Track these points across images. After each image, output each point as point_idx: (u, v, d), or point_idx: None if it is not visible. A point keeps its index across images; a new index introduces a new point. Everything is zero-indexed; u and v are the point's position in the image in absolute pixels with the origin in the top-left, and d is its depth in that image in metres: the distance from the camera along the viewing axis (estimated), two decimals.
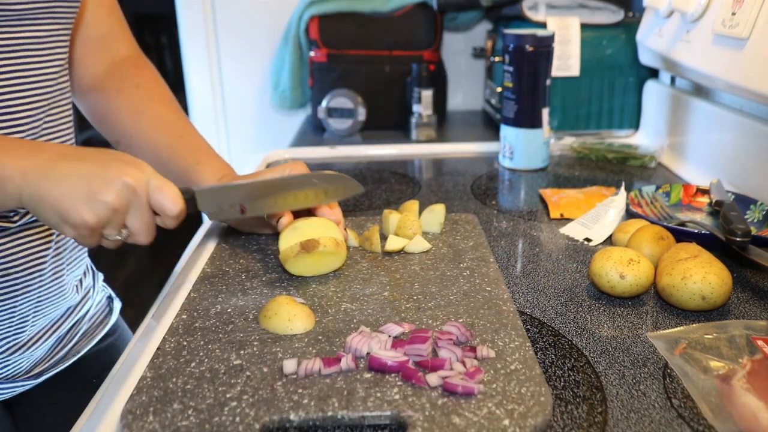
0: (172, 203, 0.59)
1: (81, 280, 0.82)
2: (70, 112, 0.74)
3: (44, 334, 0.75)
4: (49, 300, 0.74)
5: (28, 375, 0.74)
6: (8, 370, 0.72)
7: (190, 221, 0.70)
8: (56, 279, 0.75)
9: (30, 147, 0.56)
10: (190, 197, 0.64)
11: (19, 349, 0.72)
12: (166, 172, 0.79)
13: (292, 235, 0.67)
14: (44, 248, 0.71)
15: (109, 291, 0.90)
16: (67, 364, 0.79)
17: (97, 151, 0.58)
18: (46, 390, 0.76)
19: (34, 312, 0.72)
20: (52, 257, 0.73)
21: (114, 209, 0.55)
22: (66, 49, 0.71)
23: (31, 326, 0.73)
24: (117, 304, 0.90)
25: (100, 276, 0.89)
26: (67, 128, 0.73)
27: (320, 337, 0.56)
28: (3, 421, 0.74)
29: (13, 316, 0.70)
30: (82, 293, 0.81)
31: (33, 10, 0.64)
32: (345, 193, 0.71)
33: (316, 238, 0.65)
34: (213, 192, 0.67)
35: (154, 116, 0.81)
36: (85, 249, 0.83)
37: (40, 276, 0.72)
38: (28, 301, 0.71)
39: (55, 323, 0.76)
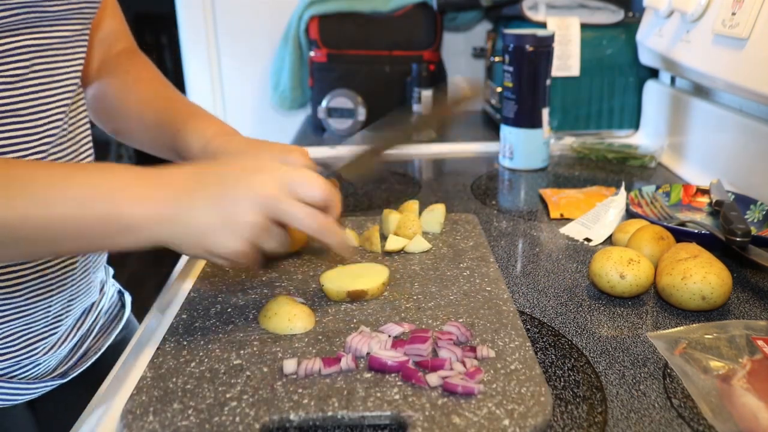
0: (319, 190, 0.54)
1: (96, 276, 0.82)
2: (87, 111, 0.75)
3: (71, 332, 0.76)
4: (79, 298, 0.75)
5: (54, 374, 0.75)
6: (38, 370, 0.72)
7: None
8: (85, 276, 0.75)
9: (149, 181, 0.52)
10: (336, 177, 0.64)
11: (51, 348, 0.72)
12: (160, 149, 0.80)
13: (339, 277, 0.65)
14: None
15: (119, 285, 0.91)
16: (89, 363, 0.79)
17: (213, 169, 0.54)
18: (69, 390, 0.76)
19: (67, 310, 0.73)
20: (82, 254, 0.73)
21: (259, 225, 0.51)
22: (84, 50, 0.71)
23: (63, 325, 0.73)
24: (128, 298, 0.90)
25: (111, 270, 0.89)
26: (86, 124, 0.74)
27: (320, 337, 0.56)
28: (27, 423, 0.74)
29: (48, 316, 0.70)
30: (99, 288, 0.81)
31: (66, 11, 0.65)
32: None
33: (365, 289, 0.62)
34: (352, 163, 0.67)
35: (141, 96, 0.80)
36: None
37: (72, 273, 0.72)
38: (62, 299, 0.71)
39: (79, 319, 0.77)
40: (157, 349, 0.55)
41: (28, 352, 0.70)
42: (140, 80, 0.83)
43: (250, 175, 0.52)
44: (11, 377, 0.70)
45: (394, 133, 0.70)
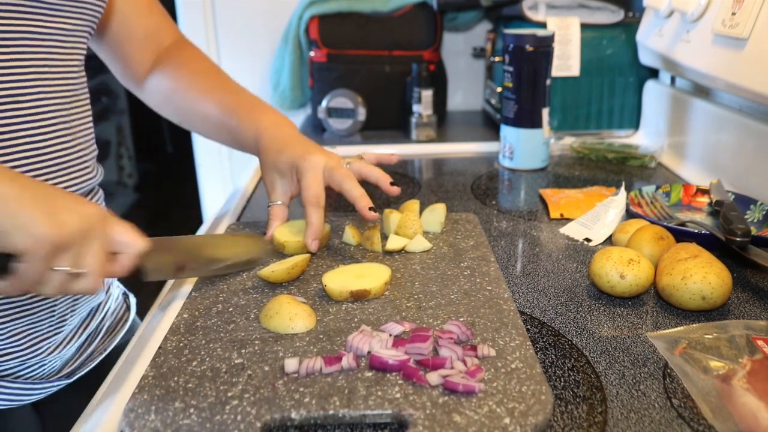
0: (135, 238, 0.54)
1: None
2: (89, 107, 0.75)
3: (76, 332, 0.76)
4: (84, 298, 0.75)
5: (60, 374, 0.75)
6: (44, 370, 0.73)
7: (192, 220, 0.70)
8: None
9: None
10: None
11: (56, 348, 0.73)
12: (223, 140, 0.86)
13: (342, 277, 0.65)
14: None
15: (123, 288, 0.91)
16: (94, 364, 0.79)
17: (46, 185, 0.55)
18: (74, 391, 0.77)
19: (72, 310, 0.73)
20: None
21: (80, 229, 0.50)
22: (85, 47, 0.72)
23: (68, 325, 0.74)
24: (133, 300, 0.91)
25: None
26: (88, 122, 0.75)
27: (321, 336, 0.56)
28: (32, 425, 0.74)
29: (53, 316, 0.71)
30: (105, 289, 0.82)
31: (66, 2, 0.66)
32: (255, 253, 0.72)
33: (368, 288, 0.62)
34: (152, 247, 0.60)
35: (200, 89, 0.85)
36: None
37: None
38: (67, 298, 0.72)
39: (84, 320, 0.77)
40: (159, 348, 0.55)
41: (33, 352, 0.70)
42: (197, 73, 0.87)
43: (81, 199, 0.52)
44: (17, 377, 0.70)
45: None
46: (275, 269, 0.65)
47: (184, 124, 0.89)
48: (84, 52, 0.72)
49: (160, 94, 0.87)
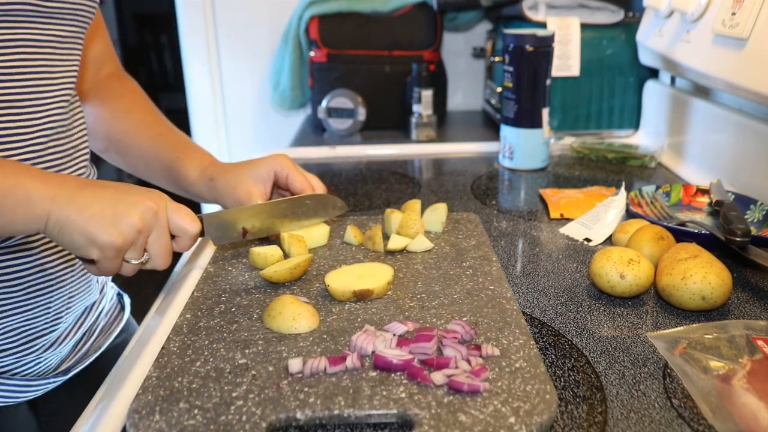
0: (191, 223, 0.62)
1: (97, 278, 0.83)
2: (83, 114, 0.77)
3: (72, 329, 0.77)
4: (79, 296, 0.76)
5: (56, 372, 0.76)
6: (40, 367, 0.74)
7: None
8: (85, 274, 0.77)
9: (56, 176, 0.59)
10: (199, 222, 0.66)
11: (51, 345, 0.74)
12: (152, 171, 0.86)
13: (344, 276, 0.65)
14: None
15: (117, 288, 0.92)
16: (89, 361, 0.81)
17: (117, 182, 0.61)
18: (69, 390, 0.78)
19: (67, 307, 0.74)
20: None
21: (139, 230, 0.57)
22: (81, 51, 0.73)
23: (64, 322, 0.74)
24: (127, 300, 0.92)
25: None
26: (83, 124, 0.75)
27: (325, 336, 0.56)
28: (28, 423, 0.75)
29: (48, 313, 0.72)
30: (99, 288, 0.83)
31: (62, 8, 0.67)
32: (333, 212, 0.79)
33: (371, 288, 0.63)
34: (217, 218, 0.70)
35: (136, 120, 0.86)
36: None
37: (72, 270, 0.74)
38: (62, 296, 0.73)
39: (79, 318, 0.78)
40: (162, 348, 0.56)
41: (28, 349, 0.71)
42: (136, 105, 0.87)
43: (143, 192, 0.60)
44: (13, 374, 0.71)
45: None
46: (278, 269, 0.66)
47: (109, 152, 0.87)
48: (80, 56, 0.73)
49: (94, 120, 0.86)
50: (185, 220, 0.62)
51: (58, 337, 0.74)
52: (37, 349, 0.72)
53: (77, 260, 0.74)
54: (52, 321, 0.72)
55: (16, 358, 0.70)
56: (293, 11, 1.51)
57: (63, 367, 0.77)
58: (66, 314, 0.74)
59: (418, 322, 0.58)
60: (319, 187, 0.80)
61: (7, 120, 0.64)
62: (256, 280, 0.68)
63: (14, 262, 0.67)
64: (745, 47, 0.83)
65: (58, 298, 0.72)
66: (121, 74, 0.91)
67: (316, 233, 0.76)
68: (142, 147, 0.84)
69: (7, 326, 0.68)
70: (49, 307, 0.72)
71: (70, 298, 0.74)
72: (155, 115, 0.88)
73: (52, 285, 0.71)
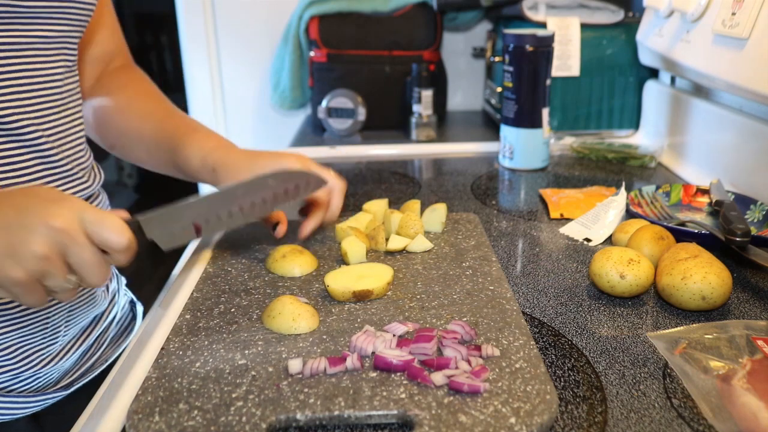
0: (117, 235, 0.50)
1: (107, 286, 0.80)
2: (81, 114, 0.73)
3: (74, 344, 0.74)
4: (80, 309, 0.73)
5: (57, 386, 0.73)
6: (39, 382, 0.71)
7: None
8: (87, 288, 0.73)
9: None
10: (136, 227, 0.56)
11: (51, 360, 0.71)
12: (158, 163, 0.81)
13: (344, 277, 0.65)
14: None
15: (131, 295, 0.89)
16: (95, 374, 0.77)
17: (15, 194, 0.51)
18: (76, 401, 0.74)
19: (66, 321, 0.71)
20: None
21: (45, 257, 0.48)
22: (75, 51, 0.70)
23: (63, 336, 0.71)
24: (140, 308, 0.89)
25: (123, 280, 0.87)
26: (80, 129, 0.72)
27: (325, 337, 0.56)
28: None
29: (46, 328, 0.69)
30: (108, 298, 0.80)
31: (46, 9, 0.63)
32: (306, 189, 0.68)
33: (370, 288, 0.62)
34: (159, 217, 0.59)
35: (139, 110, 0.81)
36: None
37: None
38: (61, 310, 0.70)
39: (84, 332, 0.75)
40: (162, 349, 0.56)
41: (25, 365, 0.68)
42: (138, 95, 0.83)
43: (49, 205, 0.49)
44: (8, 391, 0.68)
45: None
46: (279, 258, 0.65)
47: (117, 148, 0.84)
48: (73, 57, 0.69)
49: (99, 112, 0.82)
50: (108, 232, 0.50)
51: (59, 351, 0.71)
52: (35, 365, 0.69)
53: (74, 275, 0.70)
54: (50, 336, 0.69)
55: (12, 374, 0.67)
56: (293, 11, 1.51)
57: (65, 381, 0.74)
58: (66, 328, 0.71)
59: (418, 323, 0.58)
60: (337, 187, 0.74)
61: None
62: (255, 281, 0.68)
63: None
64: (745, 47, 0.83)
65: (56, 313, 0.69)
66: (129, 66, 0.87)
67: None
68: (145, 139, 0.80)
69: (1, 343, 0.65)
70: (48, 322, 0.68)
71: (69, 313, 0.71)
72: (156, 103, 0.83)
73: (50, 300, 0.66)
